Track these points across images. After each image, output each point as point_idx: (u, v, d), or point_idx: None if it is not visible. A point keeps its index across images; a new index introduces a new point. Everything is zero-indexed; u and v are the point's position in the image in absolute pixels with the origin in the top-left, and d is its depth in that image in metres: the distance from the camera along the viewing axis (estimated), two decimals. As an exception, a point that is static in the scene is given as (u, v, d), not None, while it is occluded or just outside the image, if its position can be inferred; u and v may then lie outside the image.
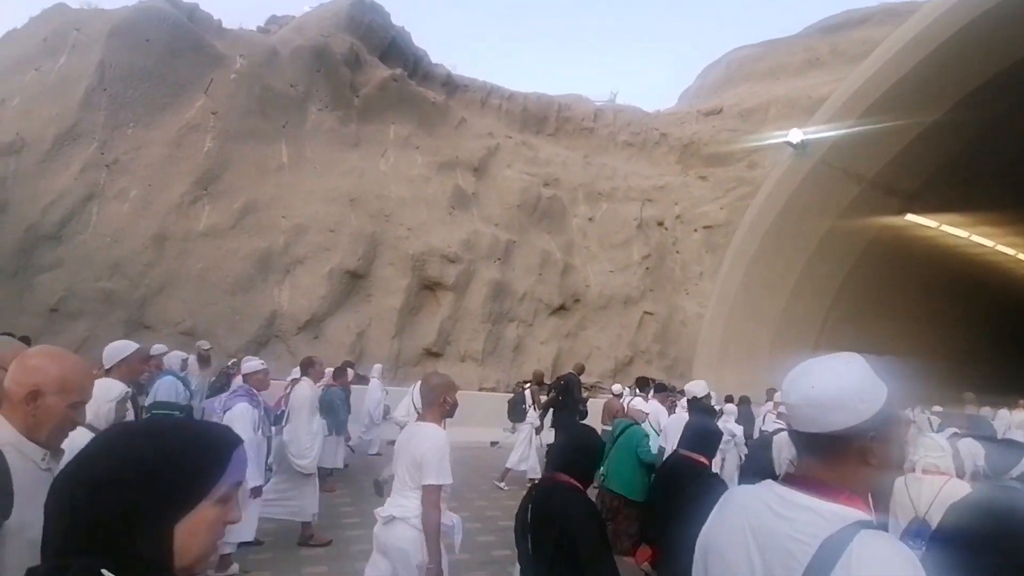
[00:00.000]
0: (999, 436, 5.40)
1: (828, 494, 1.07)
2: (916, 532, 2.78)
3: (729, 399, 9.31)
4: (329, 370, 8.46)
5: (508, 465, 8.23)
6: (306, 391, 5.69)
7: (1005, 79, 10.31)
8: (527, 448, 8.38)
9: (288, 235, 13.97)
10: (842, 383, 1.09)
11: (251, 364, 5.29)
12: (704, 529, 1.27)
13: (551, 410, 8.75)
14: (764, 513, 1.12)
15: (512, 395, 9.79)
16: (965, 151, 11.94)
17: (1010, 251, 14.73)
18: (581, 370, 10.10)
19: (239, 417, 4.72)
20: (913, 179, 12.39)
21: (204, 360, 9.15)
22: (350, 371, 9.14)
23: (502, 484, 8.00)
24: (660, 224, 22.36)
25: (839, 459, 1.08)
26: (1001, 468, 2.29)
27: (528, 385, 9.39)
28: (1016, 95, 10.73)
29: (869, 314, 14.44)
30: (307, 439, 5.51)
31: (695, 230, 22.06)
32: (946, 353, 16.18)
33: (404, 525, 2.80)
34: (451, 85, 22.39)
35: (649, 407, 6.52)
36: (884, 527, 1.31)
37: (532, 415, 8.78)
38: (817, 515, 1.05)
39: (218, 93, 14.82)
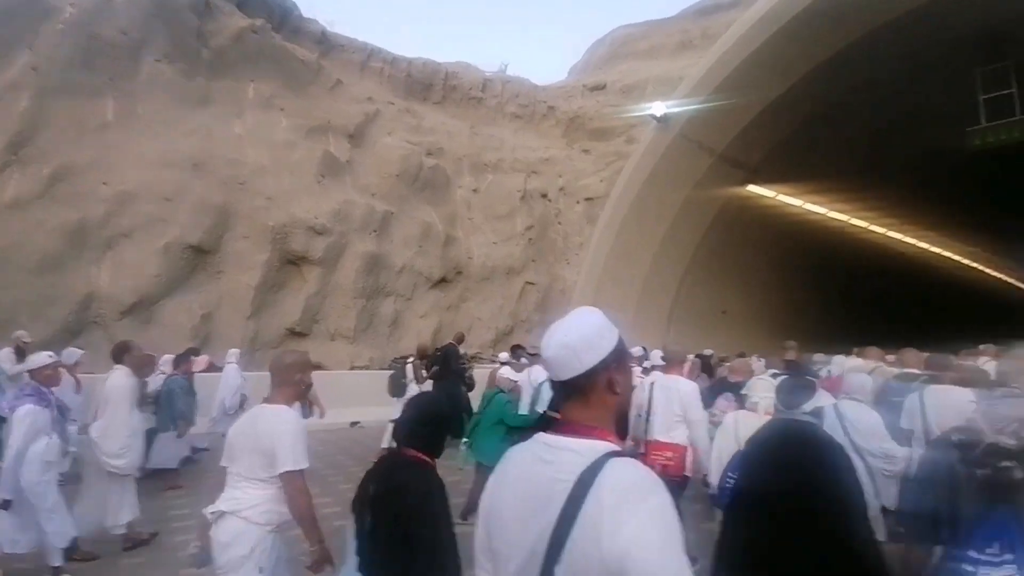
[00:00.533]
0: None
1: (585, 432, 1.17)
2: (735, 465, 2.99)
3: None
4: (168, 357, 7.65)
5: (384, 445, 7.82)
6: (120, 381, 5.05)
7: (839, 61, 11.24)
8: (411, 422, 8.25)
9: (110, 204, 12.23)
10: (585, 329, 1.22)
11: (38, 358, 4.65)
12: (484, 492, 1.31)
13: (433, 383, 8.65)
14: (532, 463, 1.19)
15: (392, 371, 9.45)
16: (802, 128, 13.08)
17: (841, 217, 16.59)
18: (460, 340, 9.98)
19: (19, 421, 4.18)
20: (755, 152, 13.41)
21: (21, 352, 7.84)
22: (200, 359, 8.29)
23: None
24: (544, 196, 22.68)
25: (592, 395, 1.19)
26: (791, 403, 2.52)
27: (410, 359, 9.14)
28: (848, 77, 11.79)
29: (718, 276, 15.64)
30: (123, 436, 4.91)
31: (577, 202, 22.65)
32: (783, 308, 18.06)
33: (234, 519, 2.56)
34: (326, 44, 20.86)
35: (521, 375, 6.54)
36: (633, 455, 1.44)
37: (414, 389, 8.49)
38: (575, 453, 1.12)
39: (43, 46, 12.59)
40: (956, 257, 22.93)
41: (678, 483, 4.22)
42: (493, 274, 19.08)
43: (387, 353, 15.57)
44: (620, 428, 1.28)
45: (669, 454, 4.25)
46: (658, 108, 13.19)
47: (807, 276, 18.67)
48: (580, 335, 1.20)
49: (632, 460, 1.12)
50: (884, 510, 3.80)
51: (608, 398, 1.20)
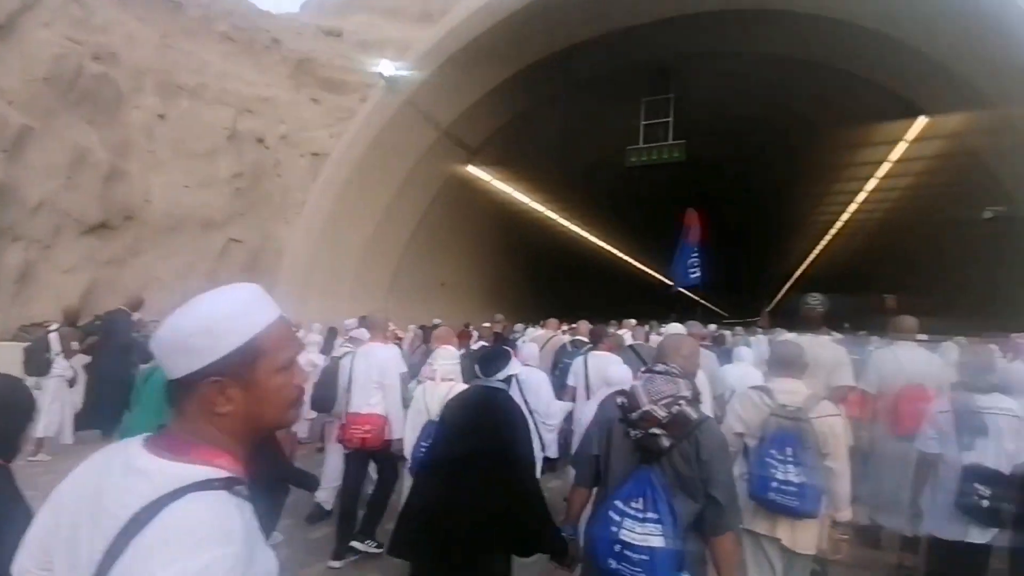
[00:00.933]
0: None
1: (181, 450, 0.89)
2: (428, 433, 3.13)
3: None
4: None
5: (38, 435, 6.57)
6: None
7: (546, 65, 12.37)
8: (58, 408, 6.83)
9: None
10: (203, 319, 0.91)
11: None
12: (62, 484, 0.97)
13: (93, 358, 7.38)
14: (108, 474, 0.90)
15: (29, 343, 7.35)
16: (516, 119, 14.17)
17: (540, 208, 18.88)
18: (137, 305, 7.95)
19: None
20: (477, 134, 14.03)
21: None
22: None
23: (36, 457, 6.45)
24: (260, 141, 19.80)
25: (193, 405, 0.92)
26: (487, 372, 2.63)
27: (53, 327, 7.23)
28: (550, 82, 13.08)
29: (439, 250, 16.13)
30: None
31: (302, 155, 20.49)
32: (495, 282, 19.85)
33: None
34: None
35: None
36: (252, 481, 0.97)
37: (61, 365, 6.96)
38: (147, 479, 0.85)
39: None
40: (620, 254, 28.78)
41: (383, 453, 4.17)
42: (183, 225, 15.81)
43: (10, 318, 11.43)
44: (259, 443, 1.00)
45: (367, 427, 4.05)
46: (387, 67, 12.56)
47: (517, 255, 20.86)
48: (195, 324, 0.90)
49: (215, 497, 0.84)
50: (546, 459, 4.53)
51: (216, 414, 0.91)
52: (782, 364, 2.88)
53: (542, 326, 13.64)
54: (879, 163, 13.83)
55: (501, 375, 2.61)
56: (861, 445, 4.07)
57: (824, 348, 3.84)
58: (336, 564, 4.07)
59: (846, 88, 11.89)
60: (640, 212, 24.61)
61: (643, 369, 2.39)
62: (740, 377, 5.14)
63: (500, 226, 18.65)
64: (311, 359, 6.15)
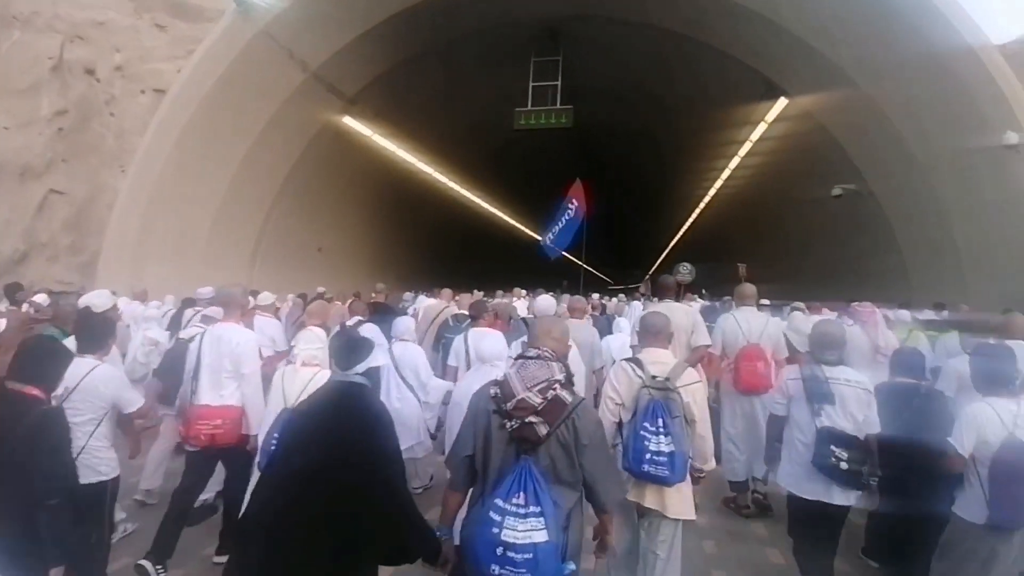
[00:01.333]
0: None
1: None
2: (280, 425, 2.78)
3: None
4: None
5: None
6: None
7: (429, 11, 11.26)
8: None
9: None
10: None
11: None
12: None
13: None
14: None
15: None
16: (399, 69, 12.98)
17: (428, 169, 17.89)
18: None
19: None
20: (353, 81, 12.69)
21: None
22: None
23: None
24: (90, 73, 16.50)
25: None
26: (344, 365, 2.34)
27: None
28: (435, 31, 12.04)
29: (315, 210, 14.71)
30: None
31: (143, 91, 17.39)
32: (380, 247, 18.70)
33: None
34: None
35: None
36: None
37: None
38: None
39: None
40: (512, 221, 28.58)
41: (237, 451, 3.52)
42: (-15, 170, 12.80)
43: None
44: None
45: (218, 420, 3.47)
46: (242, -11, 10.75)
47: (406, 219, 19.75)
48: None
49: None
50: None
51: None
52: (650, 334, 2.99)
53: (434, 295, 12.97)
54: (743, 142, 14.68)
55: (360, 367, 2.32)
56: (709, 401, 4.34)
57: (684, 314, 4.34)
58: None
59: (719, 66, 12.28)
60: (531, 177, 24.47)
61: (514, 356, 2.31)
62: (620, 348, 5.23)
63: (387, 187, 17.43)
64: (151, 337, 5.10)
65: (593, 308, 11.81)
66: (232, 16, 10.86)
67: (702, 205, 22.28)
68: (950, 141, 9.05)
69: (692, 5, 10.72)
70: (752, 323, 4.65)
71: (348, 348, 2.35)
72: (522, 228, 30.55)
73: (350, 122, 13.44)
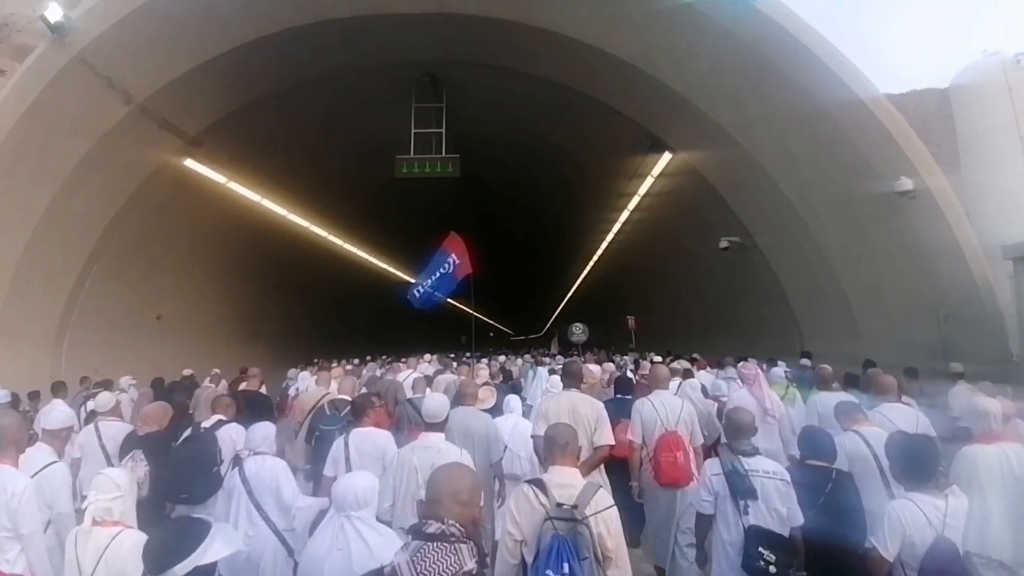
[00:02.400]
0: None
1: None
2: None
3: None
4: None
5: None
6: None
7: (292, 40, 9.88)
8: None
9: None
10: None
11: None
12: None
13: None
14: None
15: None
16: (254, 106, 11.30)
17: (302, 221, 16.02)
18: None
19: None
20: (195, 118, 10.82)
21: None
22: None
23: None
24: None
25: None
26: (157, 568, 1.74)
27: None
28: (300, 67, 10.64)
29: (145, 266, 12.20)
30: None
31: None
32: (235, 312, 16.11)
33: None
34: None
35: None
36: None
37: None
38: None
39: None
40: (407, 276, 26.84)
41: None
42: None
43: None
44: None
45: None
46: (54, 11, 8.78)
47: (275, 277, 17.41)
48: None
49: None
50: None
51: None
52: (556, 448, 2.67)
53: (314, 371, 10.89)
54: (632, 195, 14.66)
55: (181, 568, 1.69)
56: (634, 497, 4.34)
57: (589, 407, 3.90)
58: None
59: (607, 120, 12.10)
60: (422, 229, 23.12)
61: (409, 531, 1.78)
62: (511, 432, 4.69)
63: (252, 242, 15.22)
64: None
65: (492, 377, 10.58)
66: (46, 45, 8.80)
67: (596, 257, 22.31)
68: (834, 190, 9.17)
69: (576, 59, 10.39)
70: (669, 408, 4.42)
71: (166, 545, 1.72)
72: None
73: (194, 165, 11.41)
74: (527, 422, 4.67)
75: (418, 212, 21.13)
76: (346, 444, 3.76)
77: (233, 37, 9.65)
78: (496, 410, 5.24)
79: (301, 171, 14.23)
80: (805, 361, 8.50)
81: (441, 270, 8.20)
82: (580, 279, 27.82)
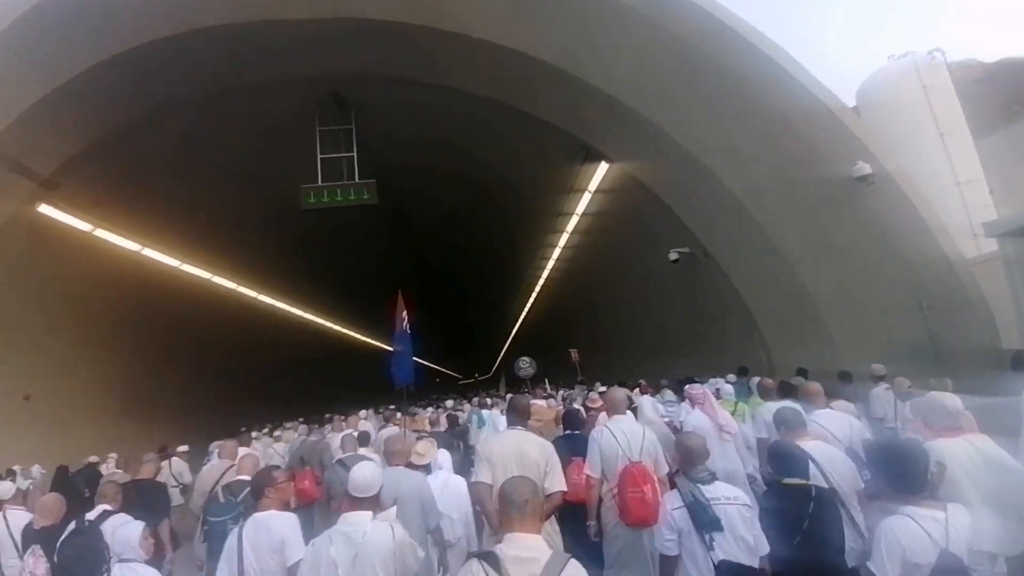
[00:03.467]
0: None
1: None
2: None
3: None
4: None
5: None
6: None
7: (159, 62, 8.34)
8: None
9: None
10: None
11: None
12: None
13: None
14: None
15: None
16: (124, 135, 9.52)
17: (199, 271, 13.97)
18: None
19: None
20: (48, 158, 8.91)
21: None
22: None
23: None
24: None
25: None
26: None
27: None
28: (192, 82, 9.07)
29: (4, 340, 9.87)
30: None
31: None
32: (125, 384, 13.66)
33: None
34: None
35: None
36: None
37: None
38: None
39: None
40: (327, 322, 24.61)
41: None
42: None
43: None
44: None
45: None
46: None
47: (168, 340, 15.00)
48: None
49: None
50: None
51: None
52: (513, 509, 2.18)
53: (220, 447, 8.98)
54: (571, 213, 13.74)
55: None
56: (591, 536, 3.89)
57: (538, 449, 3.39)
58: None
59: (532, 132, 11.18)
60: (348, 273, 21.43)
61: None
62: (440, 492, 3.94)
63: (139, 300, 12.96)
64: None
65: (432, 425, 9.12)
66: None
67: (538, 287, 21.23)
68: (787, 185, 8.48)
69: (493, 63, 9.42)
70: (630, 435, 3.91)
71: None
72: (346, 331, 26.70)
73: (50, 211, 9.39)
74: (460, 479, 4.19)
75: (341, 254, 19.42)
76: (240, 537, 2.99)
77: (87, 54, 8.01)
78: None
79: (191, 211, 12.32)
80: (731, 377, 8.16)
81: (403, 338, 7.05)
82: (524, 312, 26.65)
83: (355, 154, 10.75)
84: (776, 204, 8.80)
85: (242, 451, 5.91)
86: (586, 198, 12.48)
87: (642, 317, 15.52)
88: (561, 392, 13.18)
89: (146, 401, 14.26)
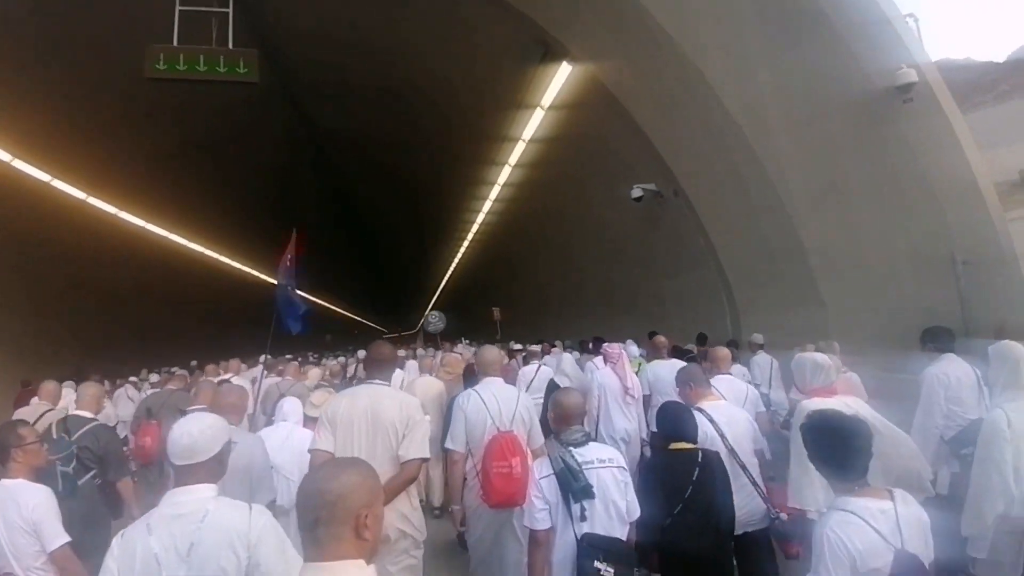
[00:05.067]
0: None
1: None
2: None
3: None
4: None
5: None
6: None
7: None
8: None
9: None
10: None
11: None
12: None
13: None
14: None
15: None
16: None
17: (37, 172, 10.50)
18: None
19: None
20: None
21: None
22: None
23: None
24: None
25: None
26: None
27: None
28: None
29: None
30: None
31: None
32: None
33: None
34: None
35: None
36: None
37: None
38: None
39: None
40: (213, 253, 20.97)
41: None
42: None
43: None
44: None
45: None
46: None
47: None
48: None
49: None
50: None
51: None
52: (304, 529, 1.44)
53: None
54: (515, 140, 11.40)
55: None
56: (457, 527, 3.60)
57: (396, 406, 2.86)
58: None
59: (479, 17, 8.67)
60: (252, 196, 17.98)
61: None
62: (279, 448, 3.42)
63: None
64: None
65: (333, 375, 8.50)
66: None
67: (473, 231, 18.88)
68: (800, 112, 6.61)
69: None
70: (502, 400, 3.37)
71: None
72: (244, 267, 22.96)
73: None
74: (307, 434, 3.39)
75: (237, 170, 16.04)
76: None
77: None
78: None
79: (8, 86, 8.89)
80: (690, 347, 7.60)
81: (290, 281, 5.82)
82: (456, 260, 24.28)
83: (230, 9, 7.77)
84: (782, 130, 6.93)
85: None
86: (537, 117, 10.17)
87: (589, 269, 13.66)
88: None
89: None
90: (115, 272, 15.41)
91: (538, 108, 9.93)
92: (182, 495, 1.89)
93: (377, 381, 2.99)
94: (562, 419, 2.65)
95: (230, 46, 7.73)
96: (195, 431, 1.95)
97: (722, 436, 3.01)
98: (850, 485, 1.94)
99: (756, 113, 7.00)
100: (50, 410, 4.40)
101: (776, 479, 3.13)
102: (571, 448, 2.54)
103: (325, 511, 1.30)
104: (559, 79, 8.81)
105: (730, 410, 3.21)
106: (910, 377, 3.94)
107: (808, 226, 7.17)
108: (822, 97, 6.52)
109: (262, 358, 8.32)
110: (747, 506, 2.90)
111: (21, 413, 4.99)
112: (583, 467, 2.46)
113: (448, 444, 3.37)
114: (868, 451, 1.93)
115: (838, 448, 1.95)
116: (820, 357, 3.03)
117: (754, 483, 2.96)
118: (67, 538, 2.48)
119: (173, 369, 12.11)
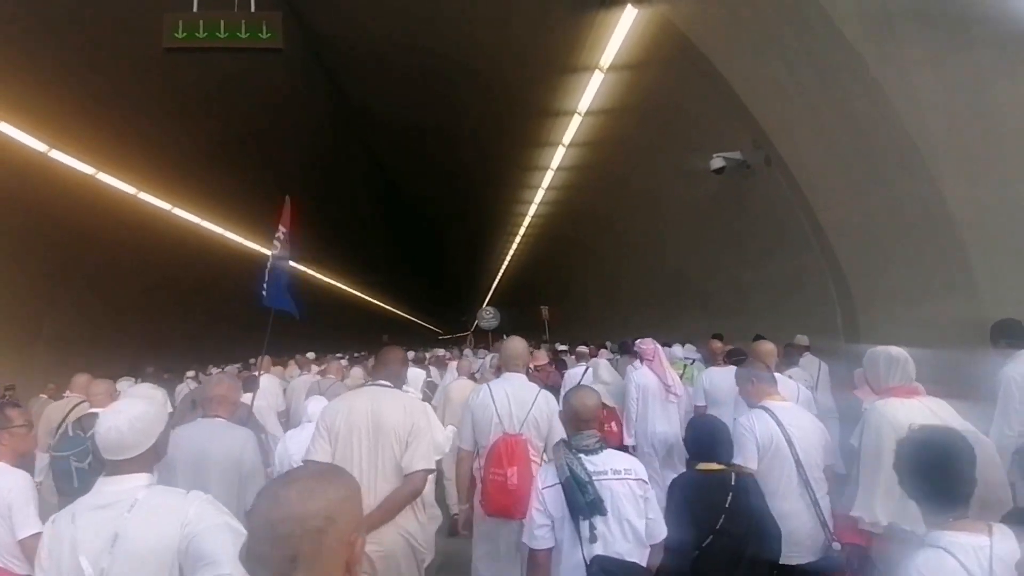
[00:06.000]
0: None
1: None
2: None
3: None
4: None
5: None
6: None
7: None
8: None
9: None
10: None
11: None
12: None
13: None
14: None
15: None
16: None
17: (82, 166, 10.30)
18: None
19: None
20: None
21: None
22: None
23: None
24: None
25: None
26: None
27: None
28: None
29: None
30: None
31: None
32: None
33: None
34: None
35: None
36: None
37: None
38: None
39: None
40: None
41: None
42: None
43: None
44: None
45: None
46: None
47: (59, 255, 11.58)
48: None
49: None
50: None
51: None
52: None
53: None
54: (570, 114, 10.09)
55: None
56: (460, 529, 3.43)
57: (394, 408, 2.69)
58: None
59: None
60: (303, 189, 17.61)
61: None
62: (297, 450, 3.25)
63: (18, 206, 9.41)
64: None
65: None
66: None
67: (525, 223, 17.72)
68: (945, 43, 4.98)
69: None
70: (516, 399, 3.14)
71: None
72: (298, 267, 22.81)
73: None
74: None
75: (285, 163, 15.68)
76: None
77: None
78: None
79: (52, 75, 8.62)
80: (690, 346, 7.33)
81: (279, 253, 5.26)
82: (508, 256, 23.22)
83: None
84: (923, 68, 5.29)
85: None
86: (595, 82, 8.84)
87: (653, 258, 12.14)
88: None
89: (29, 329, 11.08)
90: (190, 272, 15.75)
91: (596, 71, 8.61)
92: (110, 484, 1.86)
93: (381, 382, 2.84)
94: (572, 423, 2.43)
95: (252, 8, 7.02)
96: (123, 426, 1.85)
97: (789, 442, 2.68)
98: (947, 517, 1.60)
99: (888, 46, 5.39)
100: (82, 402, 4.50)
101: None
102: (581, 455, 2.28)
103: (308, 544, 0.96)
104: (622, 29, 7.41)
105: (799, 414, 2.90)
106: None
107: (958, 192, 5.47)
108: (983, 15, 4.87)
109: (255, 359, 7.67)
110: (799, 531, 2.58)
111: (53, 407, 5.10)
112: (593, 478, 2.21)
113: (457, 440, 3.29)
114: (974, 478, 1.58)
115: (945, 473, 1.61)
116: (895, 350, 2.73)
117: (816, 504, 2.63)
118: (39, 528, 2.30)
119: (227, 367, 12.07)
